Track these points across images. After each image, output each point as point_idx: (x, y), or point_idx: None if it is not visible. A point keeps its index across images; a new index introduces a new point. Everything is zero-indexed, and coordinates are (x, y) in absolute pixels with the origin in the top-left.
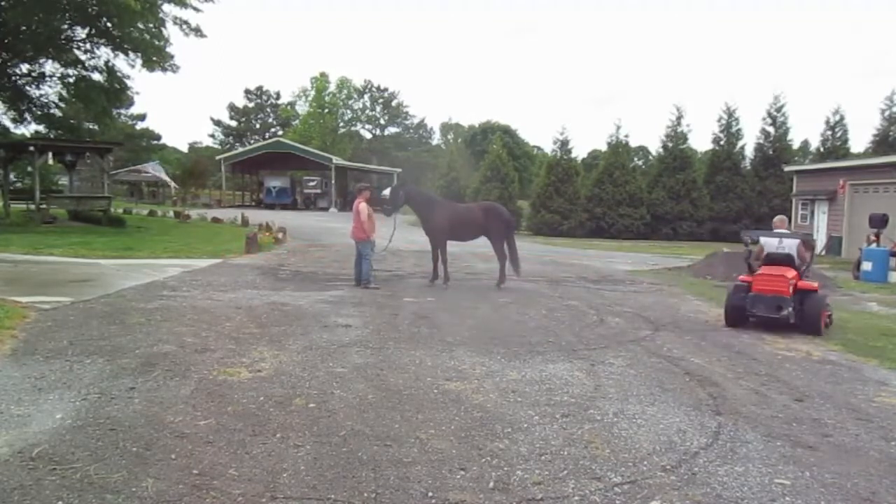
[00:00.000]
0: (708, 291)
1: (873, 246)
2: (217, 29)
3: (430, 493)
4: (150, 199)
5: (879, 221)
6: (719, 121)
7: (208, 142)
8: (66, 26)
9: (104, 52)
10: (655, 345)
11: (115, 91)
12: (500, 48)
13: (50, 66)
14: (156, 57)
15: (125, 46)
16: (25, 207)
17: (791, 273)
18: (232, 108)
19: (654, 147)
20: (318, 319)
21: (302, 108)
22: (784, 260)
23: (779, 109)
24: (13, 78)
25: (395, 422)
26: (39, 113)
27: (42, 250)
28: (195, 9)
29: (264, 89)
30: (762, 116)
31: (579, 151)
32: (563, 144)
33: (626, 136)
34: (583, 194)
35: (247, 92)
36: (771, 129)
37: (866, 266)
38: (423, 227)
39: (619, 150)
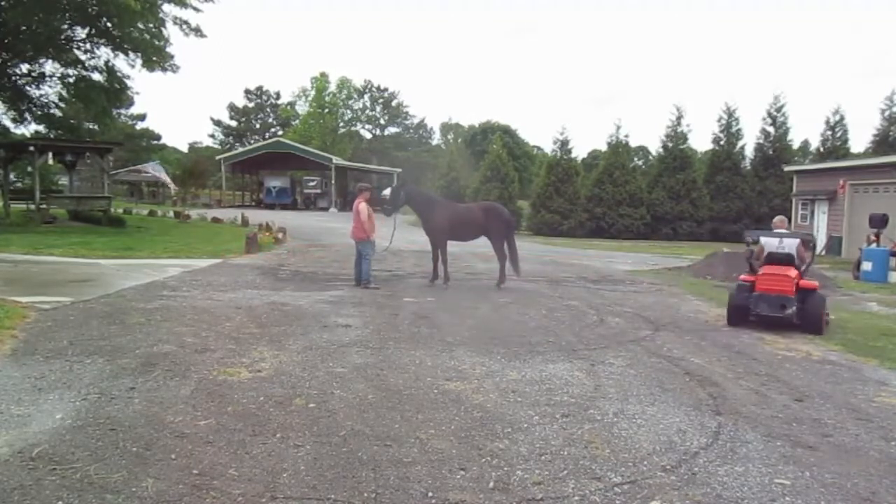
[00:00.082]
0: (708, 291)
1: (873, 246)
2: (217, 29)
3: (430, 493)
4: (150, 199)
5: (879, 221)
6: (719, 121)
7: (208, 142)
8: (66, 26)
9: (104, 52)
10: (655, 345)
11: (115, 91)
12: (500, 48)
13: (50, 66)
14: (156, 57)
15: (125, 46)
16: (25, 207)
17: (793, 272)
18: (232, 108)
19: (654, 147)
20: (318, 319)
21: (302, 108)
22: (785, 259)
23: (779, 109)
24: (13, 78)
25: (395, 422)
26: (39, 113)
27: (42, 250)
28: (195, 9)
29: (264, 89)
30: (762, 116)
31: (579, 151)
32: (563, 144)
33: (626, 136)
34: (583, 194)
35: (247, 92)
36: (771, 129)
37: (866, 266)
38: (424, 227)
39: (619, 150)
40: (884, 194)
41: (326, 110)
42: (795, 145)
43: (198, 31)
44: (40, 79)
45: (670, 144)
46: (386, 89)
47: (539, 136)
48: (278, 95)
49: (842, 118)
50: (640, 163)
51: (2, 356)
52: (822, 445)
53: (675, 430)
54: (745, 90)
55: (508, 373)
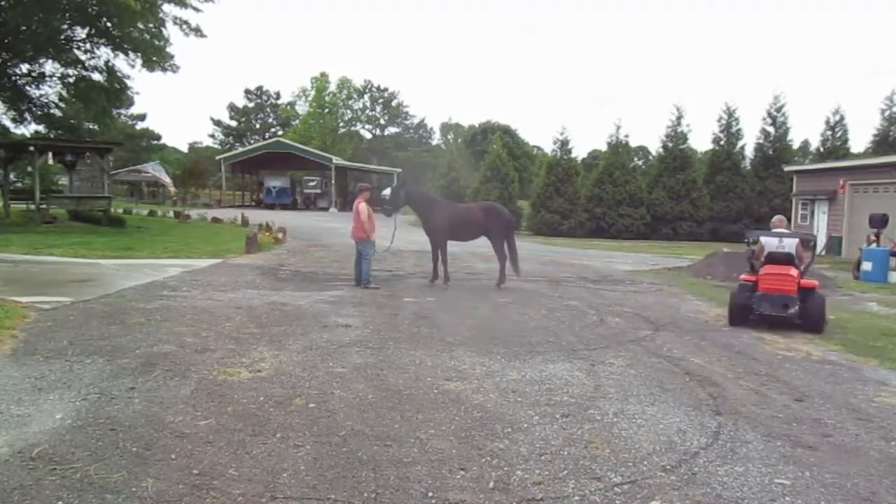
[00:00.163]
0: (708, 291)
1: (873, 246)
2: (217, 29)
3: (430, 493)
4: (150, 199)
5: (879, 221)
6: (719, 121)
7: (208, 142)
8: (66, 26)
9: (104, 52)
10: (655, 345)
11: (115, 91)
12: (500, 48)
13: (50, 66)
14: (156, 57)
15: (125, 46)
16: (25, 207)
17: (795, 272)
18: (232, 108)
19: (654, 147)
20: (318, 319)
21: (302, 108)
22: (785, 259)
23: (779, 109)
24: (13, 78)
25: (395, 422)
26: (39, 113)
27: (42, 250)
28: (195, 9)
29: (264, 89)
30: (762, 116)
31: (579, 151)
32: (563, 144)
33: (626, 136)
34: (583, 194)
35: (247, 92)
36: (771, 129)
37: (866, 266)
38: (424, 227)
39: (619, 150)
40: (884, 194)
41: (326, 110)
42: (795, 145)
43: (198, 31)
44: (40, 79)
45: (670, 144)
46: (386, 89)
47: (539, 136)
48: (278, 95)
49: (842, 118)
50: (640, 163)
51: (2, 356)
52: (822, 445)
53: (675, 430)
54: (745, 90)
55: (508, 373)
